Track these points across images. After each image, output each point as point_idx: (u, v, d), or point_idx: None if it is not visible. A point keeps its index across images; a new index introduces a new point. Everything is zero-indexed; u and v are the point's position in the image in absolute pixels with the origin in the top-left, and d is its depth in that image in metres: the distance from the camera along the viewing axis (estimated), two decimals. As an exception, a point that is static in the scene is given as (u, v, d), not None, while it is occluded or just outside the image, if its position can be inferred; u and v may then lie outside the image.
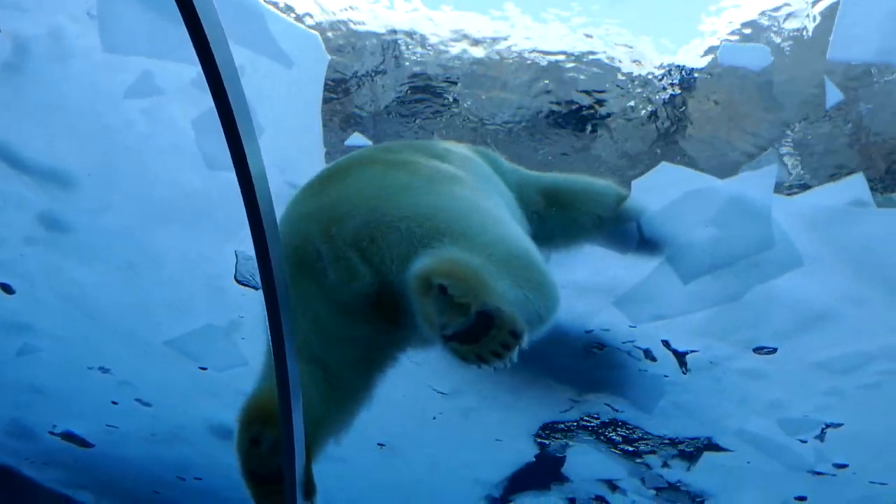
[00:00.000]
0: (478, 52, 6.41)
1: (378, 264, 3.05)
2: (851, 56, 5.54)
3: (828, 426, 8.19)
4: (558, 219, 4.95)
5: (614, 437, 9.21)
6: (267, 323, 3.30)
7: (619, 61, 6.24)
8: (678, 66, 6.16)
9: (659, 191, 5.41)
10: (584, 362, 7.44)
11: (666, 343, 7.09)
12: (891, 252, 5.86)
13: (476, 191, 3.45)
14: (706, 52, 6.08)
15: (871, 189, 5.80)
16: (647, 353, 7.19)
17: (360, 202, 3.14)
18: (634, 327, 6.76)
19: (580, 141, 6.56)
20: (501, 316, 2.46)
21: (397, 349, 3.47)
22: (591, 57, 6.24)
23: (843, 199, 5.73)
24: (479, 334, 2.45)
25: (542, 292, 2.97)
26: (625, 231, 5.29)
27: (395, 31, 6.39)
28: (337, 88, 6.66)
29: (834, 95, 5.68)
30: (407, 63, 6.50)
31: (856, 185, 5.71)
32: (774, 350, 7.03)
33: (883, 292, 6.18)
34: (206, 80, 2.12)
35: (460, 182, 3.42)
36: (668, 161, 6.22)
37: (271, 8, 6.12)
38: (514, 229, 3.34)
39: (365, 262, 3.05)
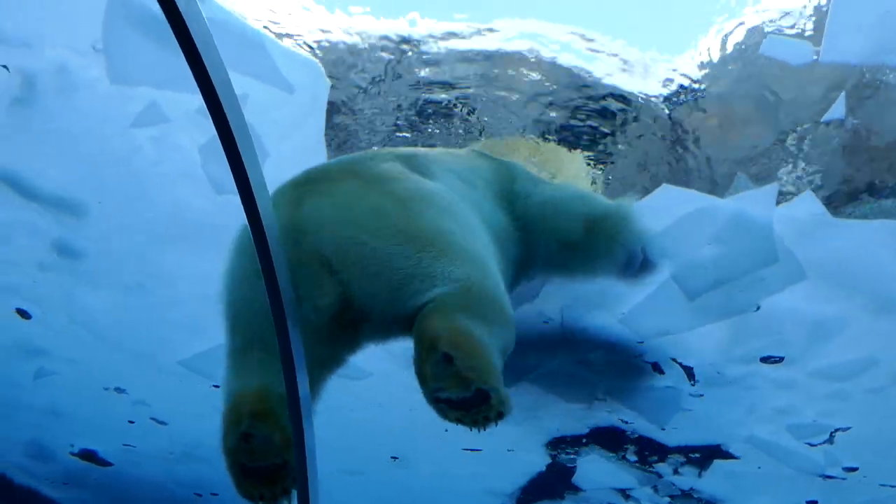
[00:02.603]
0: (483, 67, 6.45)
1: (344, 283, 3.12)
2: (844, 57, 5.56)
3: (837, 430, 8.22)
4: (586, 250, 4.98)
5: (625, 446, 9.25)
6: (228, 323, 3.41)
7: (623, 74, 6.30)
8: (681, 77, 6.22)
9: (661, 212, 5.46)
10: (595, 376, 7.48)
11: (673, 357, 7.13)
12: (859, 262, 5.91)
13: (449, 213, 3.46)
14: (707, 63, 6.13)
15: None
16: (655, 366, 7.23)
17: (332, 220, 3.20)
18: (642, 343, 6.80)
19: (589, 153, 6.63)
20: (498, 397, 2.62)
21: (346, 354, 3.54)
22: (593, 73, 6.31)
23: (803, 213, 5.79)
24: (470, 406, 2.61)
25: (505, 326, 3.09)
26: (630, 254, 5.35)
27: (399, 49, 6.44)
28: (340, 110, 6.75)
29: (837, 111, 5.70)
30: (413, 81, 6.55)
31: (807, 199, 5.77)
32: (781, 359, 7.07)
33: (866, 300, 6.25)
34: (207, 110, 2.20)
35: (433, 203, 3.44)
36: (672, 172, 6.29)
37: (271, 36, 6.24)
38: (482, 260, 3.36)
39: (331, 278, 3.12)
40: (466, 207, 3.78)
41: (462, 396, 2.60)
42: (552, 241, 4.78)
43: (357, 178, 3.48)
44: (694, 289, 5.78)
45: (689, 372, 7.34)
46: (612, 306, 6.29)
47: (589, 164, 6.57)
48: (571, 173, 6.50)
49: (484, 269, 3.25)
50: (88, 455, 12.70)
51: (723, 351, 6.96)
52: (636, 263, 5.26)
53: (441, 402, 2.65)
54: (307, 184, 3.47)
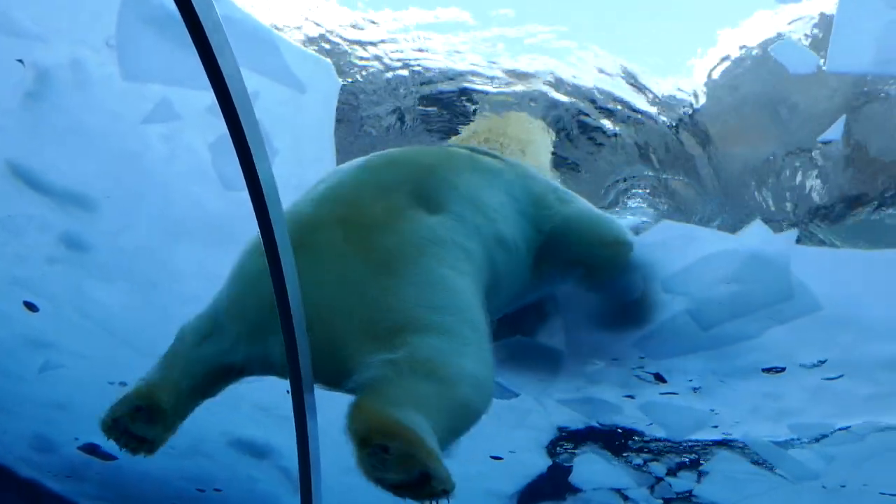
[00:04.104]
0: (491, 71, 6.50)
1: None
2: (849, 67, 5.54)
3: (837, 431, 8.21)
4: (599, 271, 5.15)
5: (622, 446, 9.28)
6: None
7: (624, 88, 6.34)
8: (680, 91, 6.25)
9: (660, 247, 5.48)
10: (605, 388, 7.50)
11: (676, 368, 7.13)
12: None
13: (428, 279, 3.42)
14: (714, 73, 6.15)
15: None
16: (658, 377, 7.23)
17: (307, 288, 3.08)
18: (644, 357, 6.79)
19: (587, 162, 6.67)
20: (439, 478, 2.65)
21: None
22: (600, 86, 6.35)
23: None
24: (413, 487, 2.67)
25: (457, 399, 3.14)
26: (625, 284, 5.43)
27: (407, 58, 6.50)
28: (349, 110, 6.80)
29: (834, 133, 5.70)
30: (421, 84, 6.60)
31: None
32: (783, 370, 7.06)
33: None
34: (218, 107, 2.23)
35: (417, 267, 3.41)
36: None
37: (284, 36, 6.30)
38: (449, 331, 3.30)
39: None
40: (461, 246, 3.75)
41: (404, 479, 2.67)
42: (569, 261, 4.92)
43: (345, 227, 3.49)
44: (708, 322, 5.81)
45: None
46: (619, 330, 6.30)
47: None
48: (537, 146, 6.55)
49: (448, 340, 3.22)
50: (92, 449, 12.77)
51: (725, 363, 6.97)
52: (633, 293, 5.38)
53: (385, 486, 2.71)
54: (297, 231, 3.27)
